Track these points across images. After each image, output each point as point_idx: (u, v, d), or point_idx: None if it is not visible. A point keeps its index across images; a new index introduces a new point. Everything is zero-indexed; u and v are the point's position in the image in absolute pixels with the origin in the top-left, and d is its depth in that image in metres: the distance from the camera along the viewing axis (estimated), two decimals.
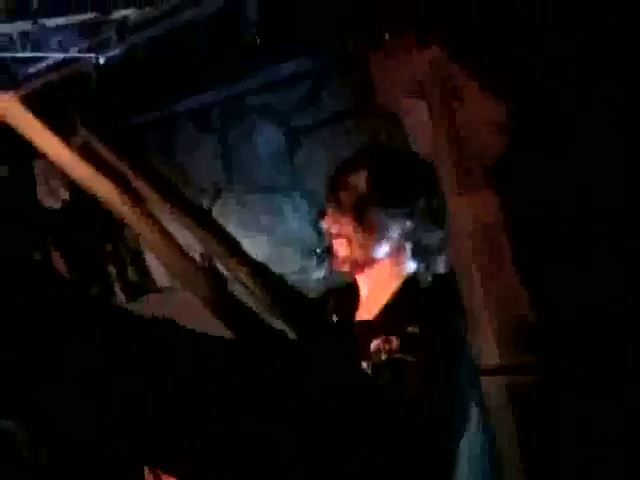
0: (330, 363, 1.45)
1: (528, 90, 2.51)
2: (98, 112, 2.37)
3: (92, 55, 2.61)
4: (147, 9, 2.36)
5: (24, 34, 2.52)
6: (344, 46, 3.02)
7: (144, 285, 4.20)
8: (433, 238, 1.72)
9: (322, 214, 1.77)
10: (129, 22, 2.38)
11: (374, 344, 1.59)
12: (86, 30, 2.45)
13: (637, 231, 2.39)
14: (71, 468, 2.92)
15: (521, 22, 2.48)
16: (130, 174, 1.60)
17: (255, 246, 3.10)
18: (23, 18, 2.20)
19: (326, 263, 3.29)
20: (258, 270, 1.83)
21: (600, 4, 2.32)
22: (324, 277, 3.25)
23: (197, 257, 1.73)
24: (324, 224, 1.76)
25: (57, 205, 4.09)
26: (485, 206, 2.64)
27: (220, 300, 1.46)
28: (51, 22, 2.23)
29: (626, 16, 2.29)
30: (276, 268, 2.26)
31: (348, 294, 1.83)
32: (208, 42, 3.33)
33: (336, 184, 1.75)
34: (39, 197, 4.09)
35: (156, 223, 1.47)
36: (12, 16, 2.29)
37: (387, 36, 2.81)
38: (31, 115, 1.40)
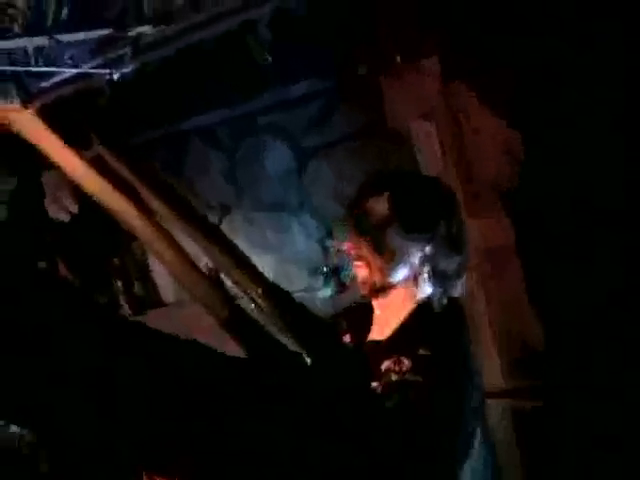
0: (340, 383, 1.46)
1: (527, 90, 2.52)
2: (111, 127, 2.39)
3: (106, 71, 2.63)
4: (162, 27, 2.38)
5: (39, 49, 2.55)
6: (356, 68, 3.04)
7: (150, 300, 4.21)
8: (451, 263, 1.72)
9: (329, 234, 1.77)
10: (144, 39, 2.40)
11: (385, 364, 1.59)
12: (101, 46, 2.47)
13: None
14: (71, 469, 2.91)
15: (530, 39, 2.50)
16: (142, 188, 1.61)
17: (262, 264, 3.10)
18: (39, 33, 2.22)
19: (332, 282, 3.29)
20: (272, 290, 1.83)
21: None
22: (330, 296, 3.26)
23: (206, 270, 1.74)
24: (344, 247, 1.75)
25: (65, 217, 4.10)
26: (493, 229, 2.65)
27: (230, 315, 1.46)
28: (66, 38, 2.25)
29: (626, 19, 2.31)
30: (282, 286, 2.27)
31: (361, 314, 1.84)
32: (220, 61, 3.36)
33: (357, 207, 1.75)
34: (47, 209, 4.10)
35: (168, 237, 1.48)
36: (28, 31, 2.32)
37: (398, 59, 2.84)
38: (45, 128, 1.41)
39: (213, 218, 3.80)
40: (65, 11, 2.32)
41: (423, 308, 1.72)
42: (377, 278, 1.72)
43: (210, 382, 1.23)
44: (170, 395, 1.19)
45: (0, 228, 3.49)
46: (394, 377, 1.55)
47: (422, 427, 1.48)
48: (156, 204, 1.62)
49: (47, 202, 4.02)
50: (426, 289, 1.72)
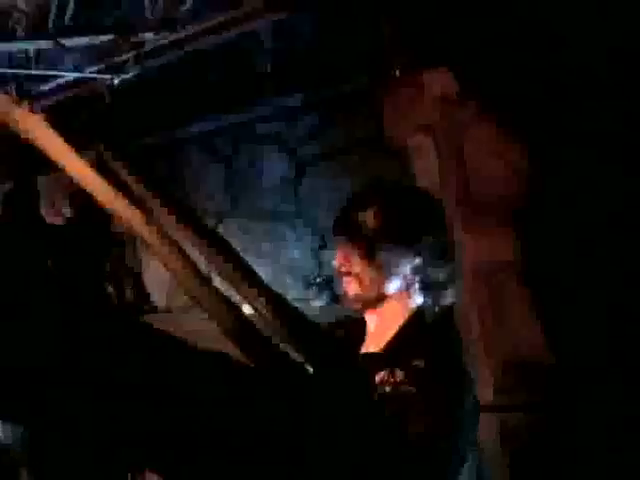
0: (342, 394, 1.47)
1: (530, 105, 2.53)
2: (113, 131, 2.40)
3: (107, 76, 2.65)
4: (164, 33, 2.40)
5: (40, 52, 2.56)
6: (356, 81, 3.06)
7: (142, 306, 4.20)
8: (441, 273, 1.73)
9: (324, 244, 1.78)
10: (147, 46, 2.41)
11: (379, 376, 1.59)
12: (103, 52, 2.48)
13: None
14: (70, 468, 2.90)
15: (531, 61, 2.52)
16: (146, 194, 1.62)
17: None
18: (43, 37, 2.23)
19: (325, 293, 3.30)
20: (275, 299, 1.84)
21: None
22: (323, 306, 3.27)
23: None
24: (334, 263, 1.76)
25: (59, 222, 4.10)
26: (489, 245, 2.66)
27: (235, 323, 1.47)
28: (71, 42, 2.27)
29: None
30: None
31: (355, 326, 1.84)
32: (220, 69, 3.38)
33: (346, 220, 1.76)
34: (41, 213, 4.10)
35: (173, 244, 1.48)
36: (32, 35, 2.33)
37: (397, 72, 2.86)
38: (53, 130, 1.42)
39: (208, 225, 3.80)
40: (68, 16, 2.33)
41: (416, 319, 1.73)
42: (368, 291, 1.73)
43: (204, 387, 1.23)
44: (168, 393, 1.20)
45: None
46: (388, 389, 1.56)
47: (416, 439, 1.49)
48: (159, 210, 1.63)
49: (42, 207, 4.01)
50: (418, 299, 1.73)
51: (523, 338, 2.68)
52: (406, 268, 1.70)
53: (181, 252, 1.44)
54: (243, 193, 3.73)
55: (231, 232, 3.75)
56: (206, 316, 1.55)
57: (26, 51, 2.56)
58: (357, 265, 1.72)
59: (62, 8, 2.30)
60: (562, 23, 2.43)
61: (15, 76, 2.76)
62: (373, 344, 1.77)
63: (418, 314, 1.73)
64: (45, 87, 2.86)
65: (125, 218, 1.40)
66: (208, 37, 2.45)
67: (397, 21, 2.85)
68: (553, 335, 2.61)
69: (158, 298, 4.15)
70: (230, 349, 1.41)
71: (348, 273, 1.74)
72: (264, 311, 1.73)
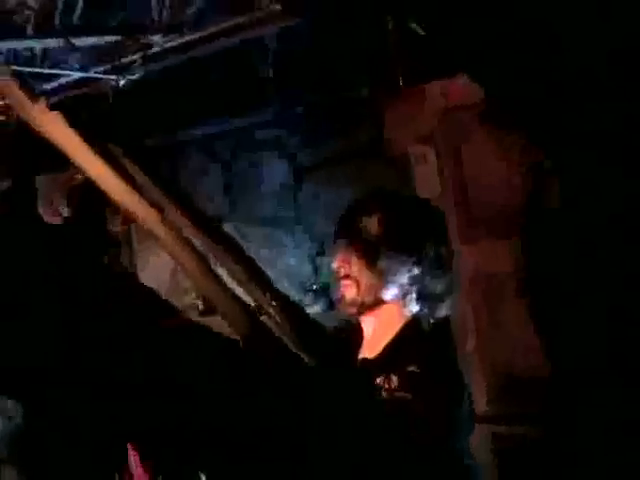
0: (348, 398, 1.48)
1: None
2: (115, 131, 2.40)
3: (112, 77, 2.64)
4: (173, 36, 2.40)
5: (46, 51, 2.56)
6: (359, 89, 3.07)
7: None
8: (439, 284, 1.75)
9: (322, 251, 1.79)
10: (153, 48, 2.41)
11: (374, 382, 1.61)
12: (110, 52, 2.48)
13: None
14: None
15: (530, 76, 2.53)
16: (159, 195, 1.63)
17: None
18: (53, 35, 2.23)
19: (322, 300, 3.30)
20: (288, 304, 1.85)
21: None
22: (319, 313, 3.27)
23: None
24: (333, 265, 1.77)
25: (57, 221, 4.08)
26: (487, 256, 2.67)
27: (251, 328, 1.48)
28: (80, 41, 2.27)
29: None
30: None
31: (353, 332, 1.85)
32: (223, 73, 3.39)
33: (350, 224, 1.78)
34: (39, 212, 4.08)
35: (189, 246, 1.49)
36: (39, 33, 2.33)
37: (401, 82, 2.87)
38: (69, 127, 1.43)
39: None
40: (76, 15, 2.33)
41: (411, 326, 1.75)
42: (366, 297, 1.74)
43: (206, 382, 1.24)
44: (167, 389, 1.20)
45: None
46: (383, 394, 1.57)
47: (411, 443, 1.50)
48: (172, 210, 1.64)
49: (40, 206, 4.00)
50: (413, 308, 1.74)
51: (520, 350, 2.69)
52: (404, 277, 1.72)
53: (195, 251, 1.45)
54: (242, 197, 3.74)
55: None
56: (203, 317, 1.56)
57: (31, 49, 2.56)
58: (357, 269, 1.74)
59: (69, 6, 2.30)
60: (562, 25, 2.44)
61: (19, 73, 2.75)
62: (369, 350, 1.79)
63: (414, 322, 1.75)
64: (48, 86, 2.86)
65: (141, 217, 1.40)
66: (218, 40, 2.45)
67: (403, 29, 2.86)
68: (552, 342, 2.61)
69: None
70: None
71: (347, 276, 1.76)
72: (271, 310, 1.74)
